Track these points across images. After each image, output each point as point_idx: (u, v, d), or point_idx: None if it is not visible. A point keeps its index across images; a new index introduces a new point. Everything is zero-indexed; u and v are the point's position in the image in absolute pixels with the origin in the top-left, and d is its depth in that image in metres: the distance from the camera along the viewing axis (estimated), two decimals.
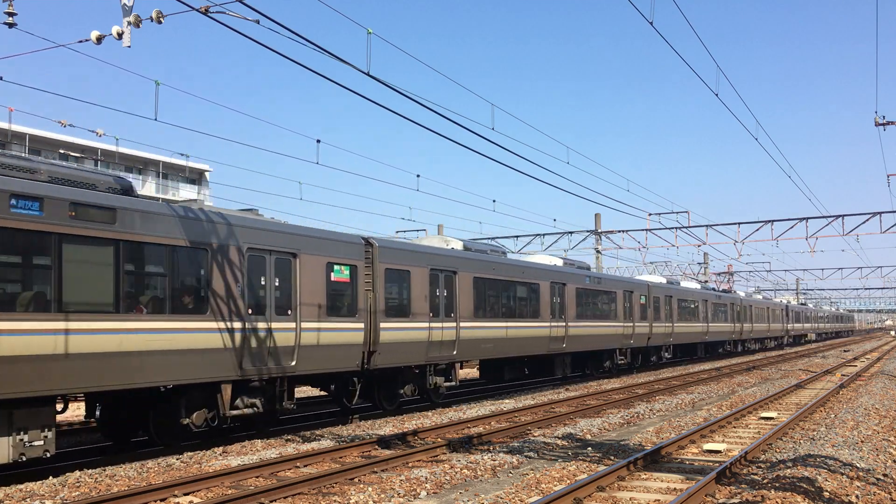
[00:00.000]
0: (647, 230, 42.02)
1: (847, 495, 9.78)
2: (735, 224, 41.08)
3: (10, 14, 11.83)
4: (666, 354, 39.20)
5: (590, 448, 13.95)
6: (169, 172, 64.77)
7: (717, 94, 18.92)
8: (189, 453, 13.37)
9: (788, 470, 11.17)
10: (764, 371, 35.79)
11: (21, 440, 11.02)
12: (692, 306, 42.04)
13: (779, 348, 68.59)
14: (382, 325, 17.98)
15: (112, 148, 55.11)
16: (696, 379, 29.93)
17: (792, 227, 39.58)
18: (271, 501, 9.96)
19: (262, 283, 14.88)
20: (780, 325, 68.78)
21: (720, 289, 57.41)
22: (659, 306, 36.51)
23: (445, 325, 20.24)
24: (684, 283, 45.13)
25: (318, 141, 22.61)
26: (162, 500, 10.05)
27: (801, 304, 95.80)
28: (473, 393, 26.27)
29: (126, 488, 10.63)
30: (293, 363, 15.34)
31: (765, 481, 10.57)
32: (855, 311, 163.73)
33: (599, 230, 44.63)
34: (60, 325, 11.32)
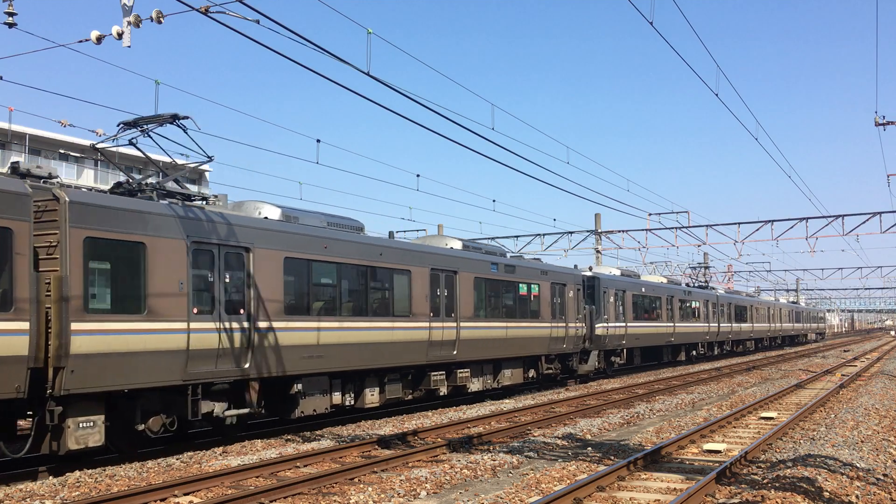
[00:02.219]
0: (647, 230, 42.05)
1: (847, 495, 9.78)
2: (735, 224, 41.11)
3: (10, 14, 11.84)
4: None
5: (590, 448, 13.95)
6: (169, 172, 64.79)
7: (717, 94, 18.94)
8: (189, 453, 13.38)
9: (788, 470, 11.17)
10: (764, 371, 35.81)
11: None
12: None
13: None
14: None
15: (112, 148, 55.03)
16: (696, 379, 29.95)
17: (792, 227, 39.63)
18: (271, 501, 9.96)
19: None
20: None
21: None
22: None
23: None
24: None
25: (318, 141, 22.63)
26: (162, 500, 10.05)
27: (699, 285, 50.59)
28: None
29: (126, 488, 10.63)
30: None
31: (765, 481, 10.57)
32: (833, 311, 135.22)
33: (599, 230, 44.65)
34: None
